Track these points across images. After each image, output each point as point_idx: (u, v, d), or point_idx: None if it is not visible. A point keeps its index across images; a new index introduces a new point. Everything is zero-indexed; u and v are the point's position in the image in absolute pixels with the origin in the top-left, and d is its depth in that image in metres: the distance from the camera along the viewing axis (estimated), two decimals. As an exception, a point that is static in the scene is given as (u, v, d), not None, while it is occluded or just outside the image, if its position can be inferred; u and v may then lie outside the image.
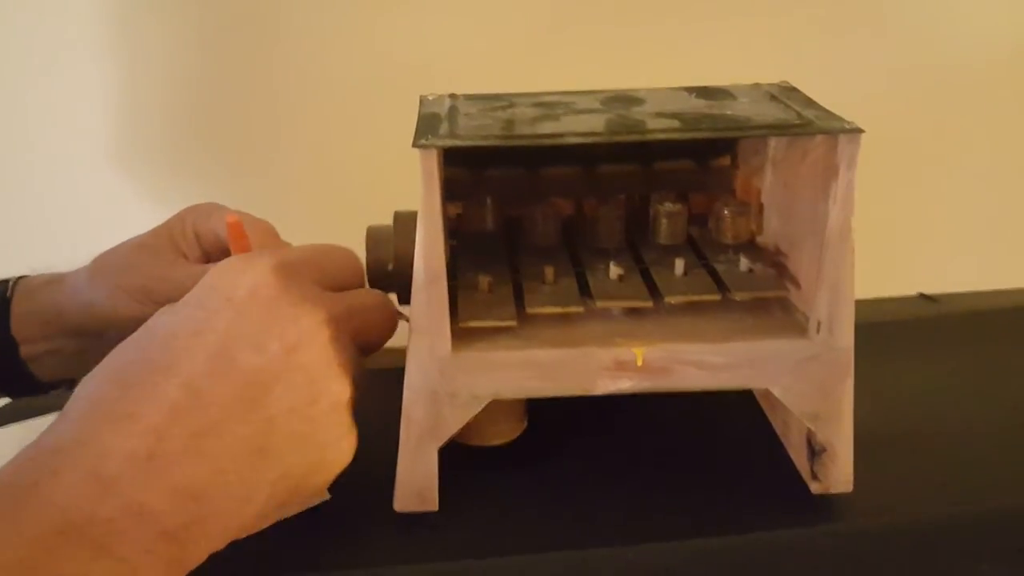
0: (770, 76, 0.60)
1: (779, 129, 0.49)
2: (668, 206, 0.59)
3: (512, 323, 0.53)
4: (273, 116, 0.89)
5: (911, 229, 0.95)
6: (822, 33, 0.93)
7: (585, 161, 0.66)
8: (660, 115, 0.51)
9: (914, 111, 0.96)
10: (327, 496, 0.57)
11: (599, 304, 0.54)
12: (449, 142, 0.47)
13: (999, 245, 1.02)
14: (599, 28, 0.87)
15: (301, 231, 0.94)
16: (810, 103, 0.53)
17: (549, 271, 0.56)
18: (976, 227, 1.01)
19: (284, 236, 0.95)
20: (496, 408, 0.55)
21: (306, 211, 0.90)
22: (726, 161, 0.67)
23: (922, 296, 0.86)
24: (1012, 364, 0.73)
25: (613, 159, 0.66)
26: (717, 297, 0.55)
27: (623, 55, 0.85)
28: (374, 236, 0.65)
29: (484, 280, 0.56)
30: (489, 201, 0.62)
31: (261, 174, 0.89)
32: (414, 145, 0.46)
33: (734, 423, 0.64)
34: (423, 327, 0.51)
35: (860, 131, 0.47)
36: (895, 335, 0.78)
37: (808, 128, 0.48)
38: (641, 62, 0.84)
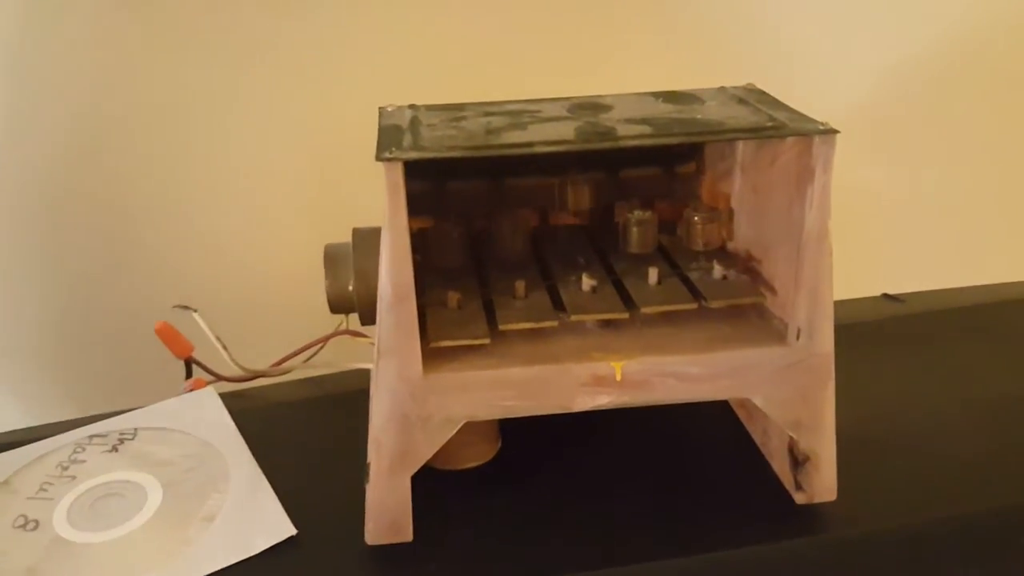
0: (733, 79, 0.59)
1: (753, 132, 0.48)
2: (638, 214, 0.57)
3: (485, 341, 0.51)
4: (221, 129, 0.85)
5: (872, 229, 0.95)
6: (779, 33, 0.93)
7: (550, 171, 0.64)
8: (630, 121, 0.50)
9: (874, 109, 0.96)
10: (293, 531, 0.54)
11: (573, 318, 0.52)
12: (414, 155, 0.44)
13: (961, 242, 1.02)
14: (557, 36, 0.85)
15: (255, 254, 0.91)
16: (779, 105, 0.52)
17: (520, 285, 0.54)
18: (937, 225, 1.02)
19: (236, 260, 0.92)
20: (469, 429, 0.53)
21: (259, 232, 0.87)
22: (692, 167, 0.66)
23: (886, 296, 0.85)
24: (981, 361, 0.73)
25: (579, 167, 0.64)
26: (694, 306, 0.53)
27: (583, 62, 0.84)
28: (332, 255, 0.62)
29: (453, 297, 0.53)
30: (453, 214, 0.60)
31: (208, 191, 0.86)
32: (378, 158, 0.44)
33: (712, 435, 0.62)
34: (391, 348, 0.48)
35: (834, 132, 0.46)
36: (862, 336, 0.77)
37: (781, 131, 0.47)
38: (601, 68, 0.83)
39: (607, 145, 0.46)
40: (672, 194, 0.65)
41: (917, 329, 0.79)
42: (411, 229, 0.61)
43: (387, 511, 0.51)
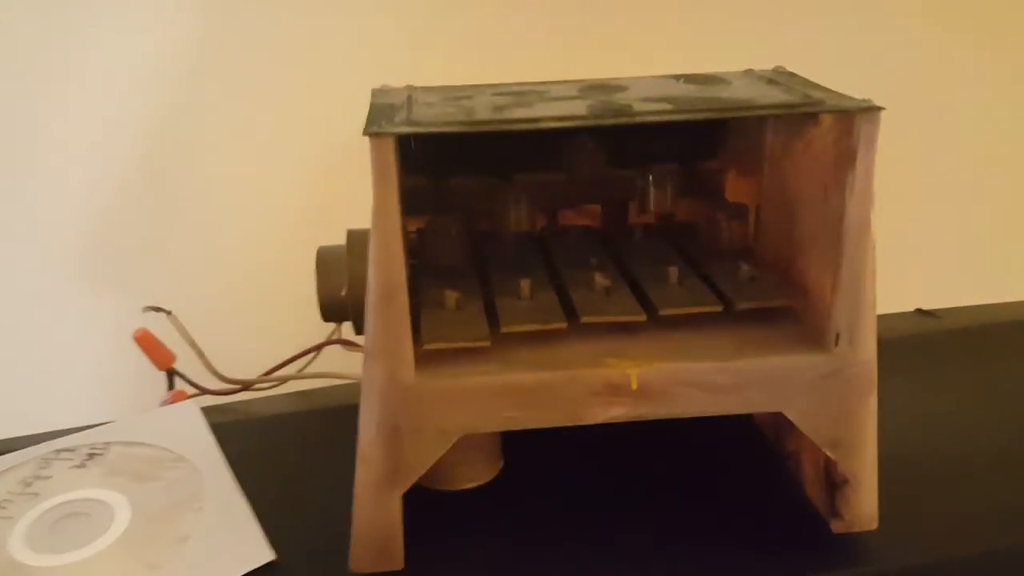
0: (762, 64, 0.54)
1: (787, 107, 0.42)
2: (657, 168, 0.52)
3: (485, 343, 0.45)
4: (210, 122, 0.81)
5: (907, 242, 0.90)
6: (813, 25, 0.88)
7: (560, 166, 0.59)
8: (648, 100, 0.44)
9: (912, 118, 0.91)
10: (271, 556, 0.49)
11: (585, 319, 0.47)
12: (407, 128, 0.39)
13: (998, 258, 0.97)
14: (568, 20, 0.80)
15: (247, 255, 0.86)
16: (812, 85, 0.47)
17: (525, 284, 0.49)
18: (974, 239, 0.97)
19: (226, 262, 0.86)
20: (467, 445, 0.48)
21: (249, 234, 0.82)
22: (714, 164, 0.61)
23: (920, 312, 0.80)
24: (1019, 379, 0.68)
25: (590, 164, 0.59)
26: (718, 308, 0.48)
27: (597, 47, 0.79)
28: (325, 258, 0.57)
29: (451, 296, 0.48)
30: (455, 212, 0.55)
31: (190, 187, 0.81)
32: (365, 132, 0.39)
33: (738, 456, 0.57)
34: (379, 351, 0.43)
35: (878, 108, 0.41)
36: (894, 353, 0.72)
37: (819, 107, 0.42)
38: (614, 55, 0.78)
39: (623, 121, 0.41)
40: (692, 193, 0.60)
41: (953, 346, 0.74)
42: (410, 229, 0.57)
43: (375, 534, 0.46)
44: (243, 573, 0.48)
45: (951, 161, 0.95)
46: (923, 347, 0.75)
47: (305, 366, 0.70)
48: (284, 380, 0.70)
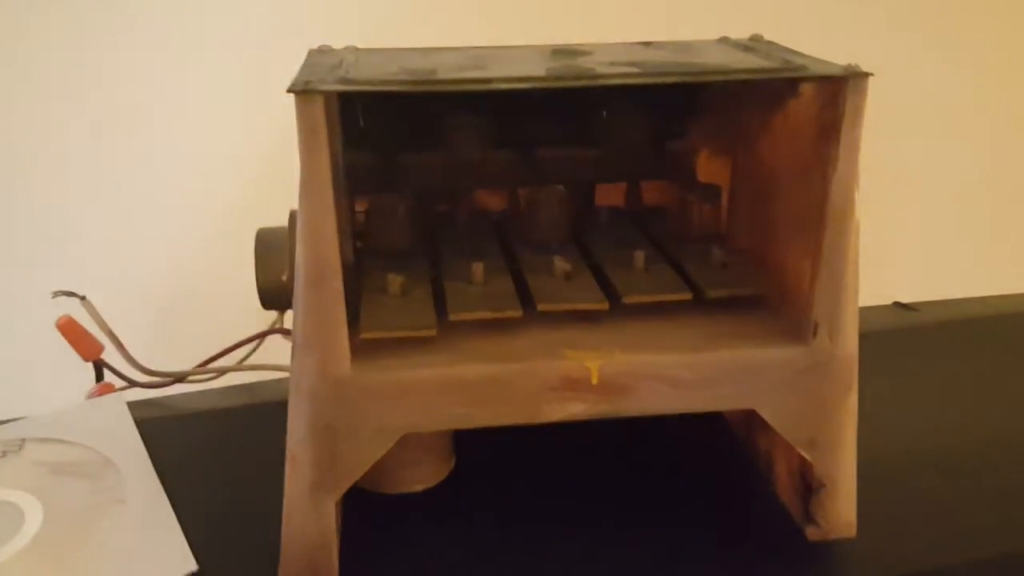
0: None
1: (766, 72, 0.38)
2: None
3: (430, 332, 0.41)
4: (147, 92, 0.75)
5: (884, 233, 0.87)
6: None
7: (520, 145, 0.55)
8: (614, 64, 0.40)
9: (894, 107, 0.88)
10: (195, 566, 0.44)
11: (541, 307, 0.43)
12: (338, 87, 0.35)
13: (978, 251, 0.94)
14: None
15: (185, 237, 0.80)
16: (793, 52, 0.43)
17: (478, 269, 0.44)
18: (954, 232, 0.94)
19: (161, 241, 0.80)
20: (414, 444, 0.43)
21: (188, 213, 0.76)
22: (686, 144, 0.57)
23: (898, 305, 0.77)
24: (1002, 377, 0.65)
25: (553, 142, 0.55)
26: (688, 296, 0.44)
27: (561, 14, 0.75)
28: (265, 240, 0.53)
29: (394, 281, 0.44)
30: (404, 191, 0.50)
31: (118, 162, 0.75)
32: (289, 90, 0.34)
33: (704, 453, 0.53)
34: (310, 340, 0.38)
35: (867, 75, 0.37)
36: (872, 347, 0.69)
37: (801, 72, 0.38)
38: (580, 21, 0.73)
39: (583, 84, 0.36)
40: (661, 174, 0.56)
41: (932, 340, 0.71)
42: (358, 210, 0.52)
43: (306, 545, 0.41)
44: (162, 585, 0.43)
45: (933, 151, 0.92)
46: (901, 341, 0.72)
47: (245, 357, 0.65)
48: (221, 372, 0.65)
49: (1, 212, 0.76)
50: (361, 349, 0.40)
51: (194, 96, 0.76)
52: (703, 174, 0.55)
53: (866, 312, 0.75)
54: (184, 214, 0.77)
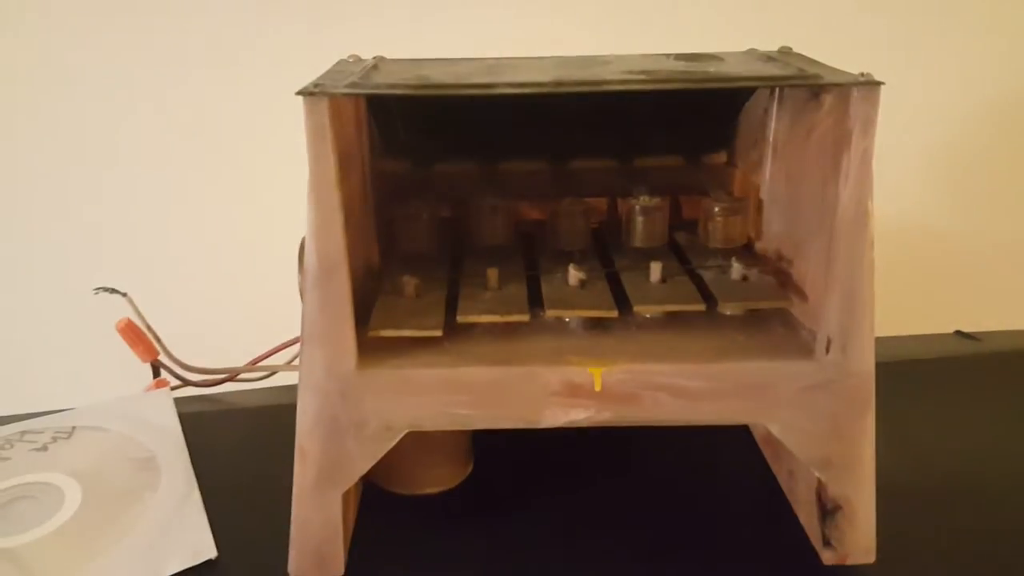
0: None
1: (767, 80, 0.38)
2: (644, 200, 0.48)
3: (436, 332, 0.41)
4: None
5: (947, 264, 0.83)
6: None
7: (554, 157, 0.56)
8: (626, 72, 0.40)
9: (963, 132, 0.85)
10: (214, 553, 0.46)
11: (550, 313, 0.43)
12: (345, 90, 0.36)
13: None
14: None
15: (245, 236, 0.84)
16: (814, 63, 0.42)
17: (493, 274, 0.45)
18: (1019, 262, 0.89)
19: (227, 246, 0.84)
20: (432, 446, 0.44)
21: (249, 218, 0.79)
22: (721, 158, 0.56)
23: (959, 333, 0.73)
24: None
25: (587, 153, 0.55)
26: (701, 307, 0.43)
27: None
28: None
29: (409, 282, 0.45)
30: (430, 197, 0.52)
31: (176, 161, 0.78)
32: (298, 92, 0.36)
33: (727, 471, 0.52)
34: (318, 335, 0.40)
35: (877, 84, 0.36)
36: (929, 374, 0.66)
37: (808, 80, 0.37)
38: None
39: (586, 89, 0.37)
40: (698, 188, 0.55)
41: (992, 370, 0.68)
42: (396, 216, 0.53)
43: (312, 536, 0.42)
44: (180, 569, 0.45)
45: (996, 178, 0.88)
46: (960, 369, 0.69)
47: (294, 357, 0.67)
48: (273, 370, 0.67)
49: (57, 210, 0.81)
50: (369, 347, 0.41)
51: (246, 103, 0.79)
52: (740, 189, 0.54)
53: (927, 339, 0.73)
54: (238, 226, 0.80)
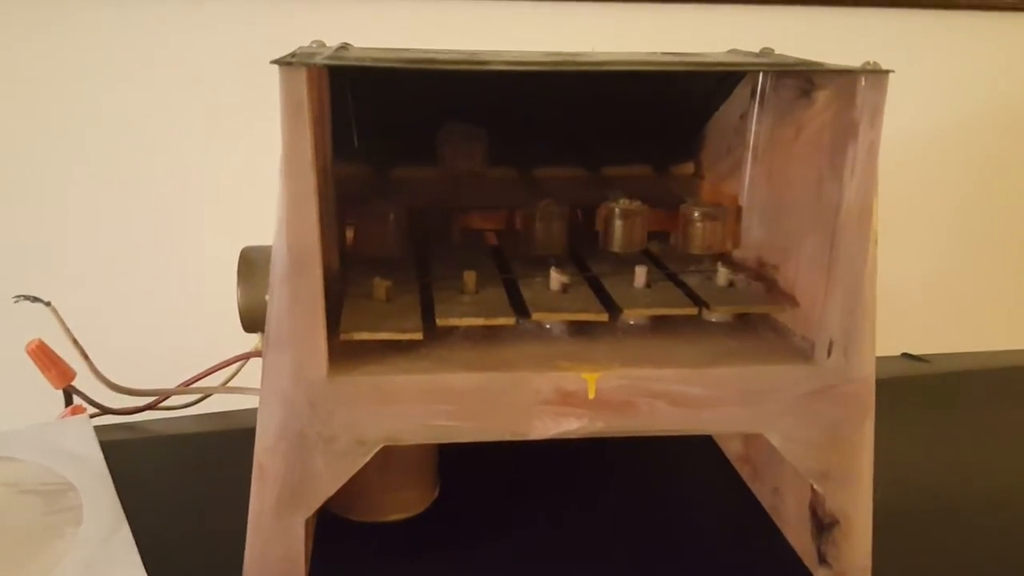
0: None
1: (777, 66, 0.36)
2: (624, 203, 0.46)
3: (416, 335, 0.38)
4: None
5: (894, 285, 0.85)
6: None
7: (520, 164, 0.53)
8: (615, 63, 0.38)
9: (907, 164, 0.87)
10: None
11: (536, 316, 0.40)
12: (326, 61, 0.33)
13: (990, 304, 0.91)
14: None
15: (169, 255, 0.78)
16: (801, 59, 0.41)
17: (470, 277, 0.42)
18: (965, 285, 0.91)
19: (140, 260, 0.77)
20: (396, 467, 0.40)
21: (176, 231, 0.74)
22: (689, 168, 0.55)
23: (907, 356, 0.74)
24: (1011, 428, 0.62)
25: (554, 161, 0.53)
26: (693, 311, 0.41)
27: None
28: (249, 260, 0.50)
29: (380, 285, 0.41)
30: (397, 199, 0.48)
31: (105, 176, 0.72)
32: (274, 61, 0.32)
33: (702, 494, 0.50)
34: (285, 337, 0.35)
35: (886, 72, 0.35)
36: (880, 396, 0.66)
37: (816, 67, 0.36)
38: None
39: (585, 69, 0.34)
40: (665, 199, 0.54)
41: (941, 391, 0.68)
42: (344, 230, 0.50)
43: (270, 569, 0.38)
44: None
45: (946, 202, 0.91)
46: (909, 390, 0.69)
47: (227, 380, 0.62)
48: (208, 392, 0.61)
49: None
50: (340, 352, 0.37)
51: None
52: (709, 197, 0.53)
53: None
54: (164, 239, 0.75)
